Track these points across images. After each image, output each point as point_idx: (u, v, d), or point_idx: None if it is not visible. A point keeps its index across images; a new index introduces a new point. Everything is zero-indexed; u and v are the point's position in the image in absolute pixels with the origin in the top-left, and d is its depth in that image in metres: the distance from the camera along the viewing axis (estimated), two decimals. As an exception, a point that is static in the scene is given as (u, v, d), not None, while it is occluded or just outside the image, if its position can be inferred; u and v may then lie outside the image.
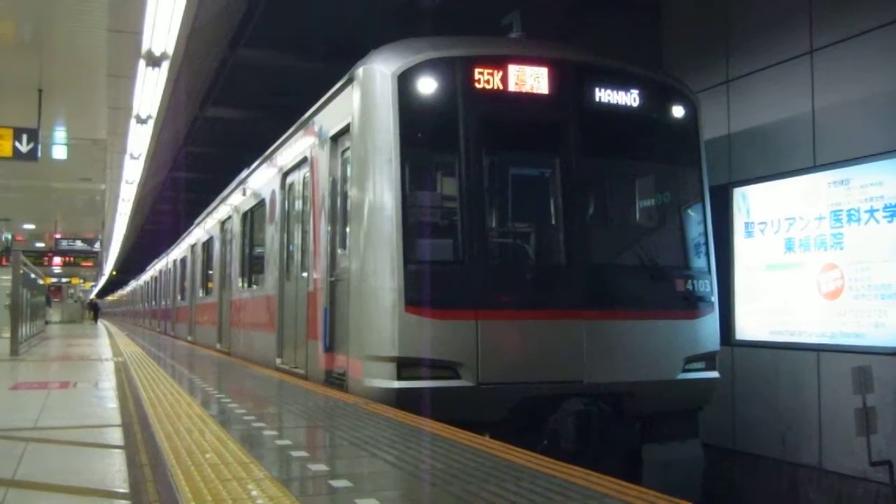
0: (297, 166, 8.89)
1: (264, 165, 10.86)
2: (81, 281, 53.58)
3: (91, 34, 9.92)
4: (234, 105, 14.93)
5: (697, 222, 7.21)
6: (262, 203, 10.86)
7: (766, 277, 8.43)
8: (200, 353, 13.89)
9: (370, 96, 6.43)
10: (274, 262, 9.80)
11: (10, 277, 13.61)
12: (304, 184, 8.53)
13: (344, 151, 7.21)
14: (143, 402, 6.31)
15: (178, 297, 21.48)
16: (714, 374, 6.94)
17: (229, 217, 13.76)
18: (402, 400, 5.82)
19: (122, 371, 9.60)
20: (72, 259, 34.04)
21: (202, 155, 18.86)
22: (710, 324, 6.91)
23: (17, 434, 5.02)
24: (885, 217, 7.16)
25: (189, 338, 18.53)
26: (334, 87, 7.42)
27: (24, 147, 12.12)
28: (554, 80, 6.55)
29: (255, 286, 11.45)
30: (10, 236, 30.99)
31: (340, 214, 7.24)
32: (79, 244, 33.34)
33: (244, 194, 12.26)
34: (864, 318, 7.32)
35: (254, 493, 3.27)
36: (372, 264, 6.19)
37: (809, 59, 8.01)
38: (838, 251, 7.60)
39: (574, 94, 6.66)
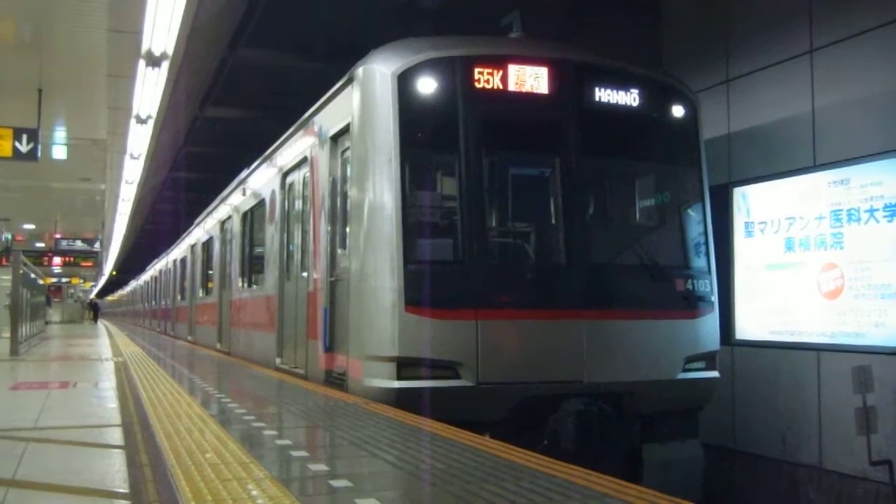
0: (297, 166, 8.89)
1: (264, 165, 10.86)
2: (81, 281, 53.57)
3: (91, 34, 9.92)
4: (234, 105, 14.93)
5: (697, 222, 7.21)
6: (261, 203, 10.86)
7: (766, 277, 8.43)
8: (200, 353, 13.89)
9: (370, 96, 6.43)
10: (274, 262, 9.80)
11: (10, 277, 13.60)
12: (304, 184, 8.53)
13: (344, 151, 7.21)
14: (143, 402, 6.31)
15: (178, 297, 21.48)
16: (714, 374, 6.94)
17: (229, 217, 13.76)
18: (402, 400, 5.82)
19: (122, 371, 9.60)
20: (72, 259, 34.03)
21: (202, 155, 18.86)
22: (710, 323, 6.91)
23: (17, 434, 5.02)
24: (884, 217, 7.16)
25: (189, 338, 18.53)
26: (334, 87, 7.42)
27: (23, 147, 12.12)
28: (554, 79, 6.55)
29: (255, 286, 11.45)
30: (10, 236, 30.98)
31: (340, 214, 7.24)
32: (79, 244, 33.34)
33: (244, 194, 12.26)
34: (864, 318, 7.32)
35: (254, 492, 3.28)
36: (372, 264, 6.19)
37: (809, 59, 8.01)
38: (838, 251, 7.60)
39: (574, 93, 6.66)
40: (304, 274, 8.32)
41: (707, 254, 7.12)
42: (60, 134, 15.34)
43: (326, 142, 7.54)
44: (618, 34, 10.31)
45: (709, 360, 6.89)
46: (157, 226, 31.37)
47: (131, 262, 46.19)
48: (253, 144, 12.73)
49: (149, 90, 10.87)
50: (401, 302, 5.91)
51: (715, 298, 7.01)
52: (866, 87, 7.41)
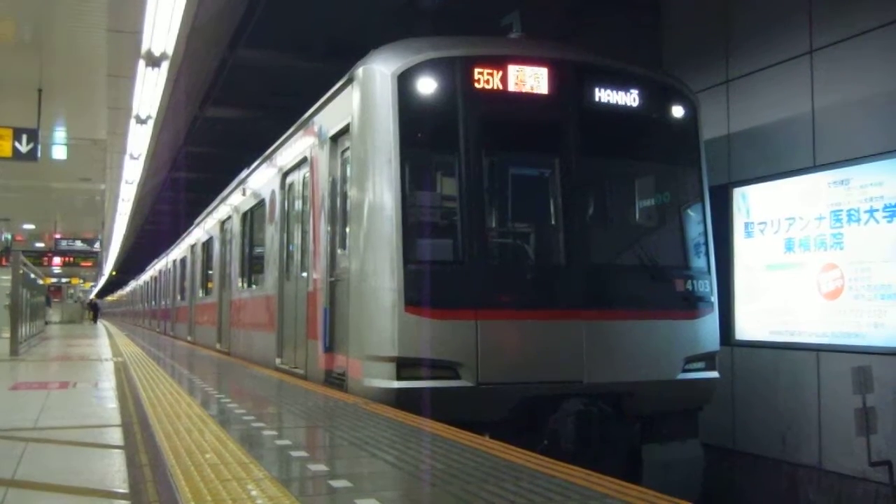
0: (297, 166, 8.89)
1: (264, 165, 10.86)
2: (81, 281, 53.57)
3: (91, 34, 9.92)
4: (234, 105, 14.93)
5: (697, 222, 7.20)
6: (261, 203, 10.86)
7: (766, 277, 8.43)
8: (200, 353, 13.89)
9: (370, 96, 6.43)
10: (274, 262, 9.80)
11: (9, 277, 13.60)
12: (304, 184, 8.52)
13: (344, 151, 7.21)
14: (143, 402, 6.31)
15: (178, 298, 21.48)
16: (714, 374, 6.94)
17: (229, 217, 13.76)
18: (401, 400, 5.82)
19: (122, 371, 9.60)
20: (71, 259, 34.03)
21: (202, 155, 18.86)
22: (709, 324, 6.91)
23: (17, 434, 5.01)
24: (884, 217, 7.16)
25: (189, 338, 18.53)
26: (334, 88, 7.42)
27: (23, 147, 12.11)
28: (554, 80, 6.54)
29: (254, 286, 11.45)
30: (10, 236, 30.98)
31: (340, 214, 7.24)
32: (78, 244, 33.33)
33: (244, 194, 12.26)
34: (864, 318, 7.32)
35: (253, 493, 3.27)
36: (372, 264, 6.19)
37: (809, 59, 8.01)
38: (838, 251, 7.60)
39: (574, 94, 6.66)
40: (304, 274, 8.32)
41: (707, 254, 7.11)
42: (60, 134, 15.34)
43: (326, 142, 7.54)
44: (618, 34, 10.31)
45: (708, 360, 6.88)
46: (156, 226, 31.37)
47: (131, 263, 46.19)
48: (253, 144, 12.73)
49: (149, 90, 10.87)
50: (401, 302, 5.91)
51: (715, 299, 7.00)
52: (866, 87, 7.41)
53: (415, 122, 6.28)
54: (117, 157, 16.09)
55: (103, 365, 10.98)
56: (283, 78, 13.21)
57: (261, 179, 11.03)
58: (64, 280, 47.56)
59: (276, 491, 3.31)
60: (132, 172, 16.87)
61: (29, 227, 31.52)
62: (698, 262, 7.06)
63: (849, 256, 7.49)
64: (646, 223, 7.89)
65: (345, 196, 7.10)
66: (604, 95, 6.74)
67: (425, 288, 5.93)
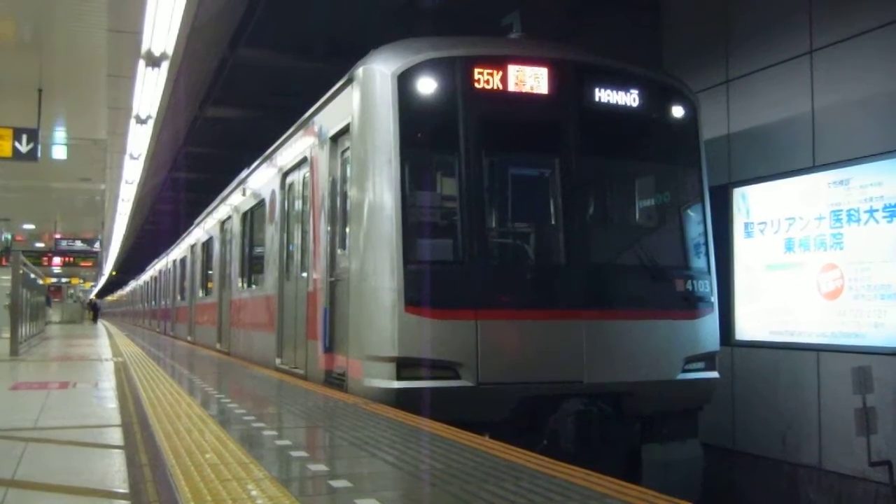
0: (297, 166, 8.89)
1: (264, 165, 10.86)
2: (81, 281, 53.56)
3: (91, 34, 9.92)
4: (234, 105, 14.93)
5: (697, 222, 7.21)
6: (261, 203, 10.86)
7: (766, 277, 8.43)
8: (200, 353, 13.89)
9: (370, 96, 6.43)
10: (274, 262, 9.80)
11: (10, 277, 13.60)
12: (304, 184, 8.53)
13: (344, 151, 7.21)
14: (143, 402, 6.31)
15: (178, 298, 21.48)
16: (714, 374, 6.94)
17: (229, 217, 13.76)
18: (401, 400, 5.82)
19: (122, 371, 9.60)
20: (71, 259, 34.02)
21: (202, 155, 18.86)
22: (709, 324, 6.91)
23: (17, 434, 5.01)
24: (884, 217, 7.16)
25: (189, 338, 18.53)
26: (334, 88, 7.42)
27: (23, 147, 12.11)
28: (554, 80, 6.54)
29: (254, 286, 11.45)
30: (10, 236, 30.97)
31: (340, 214, 7.24)
32: (78, 244, 33.32)
33: (244, 194, 12.26)
34: (864, 318, 7.32)
35: (253, 493, 3.28)
36: (372, 264, 6.19)
37: (809, 59, 8.01)
38: (838, 251, 7.60)
39: (574, 94, 6.66)
40: (304, 274, 8.32)
41: (707, 254, 7.12)
42: (60, 134, 15.34)
43: (326, 142, 7.54)
44: (618, 34, 10.31)
45: (708, 360, 6.88)
46: (156, 226, 31.38)
47: (131, 262, 46.19)
48: (253, 144, 12.73)
49: (149, 90, 10.87)
50: (401, 302, 5.91)
51: (715, 299, 7.00)
52: (866, 87, 7.41)
53: (415, 122, 6.28)
54: (117, 157, 16.09)
55: (103, 365, 10.98)
56: (283, 78, 13.21)
57: (261, 179, 11.03)
58: (64, 280, 47.56)
59: (276, 491, 3.31)
60: (132, 172, 16.87)
61: (29, 227, 31.52)
62: (698, 262, 7.06)
63: (849, 256, 7.49)
64: (646, 223, 7.89)
65: (345, 196, 7.10)
66: (604, 95, 6.74)
67: (425, 288, 5.93)
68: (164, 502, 3.28)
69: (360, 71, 6.62)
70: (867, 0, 7.45)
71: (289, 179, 9.39)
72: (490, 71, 6.35)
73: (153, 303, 30.33)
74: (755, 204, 8.62)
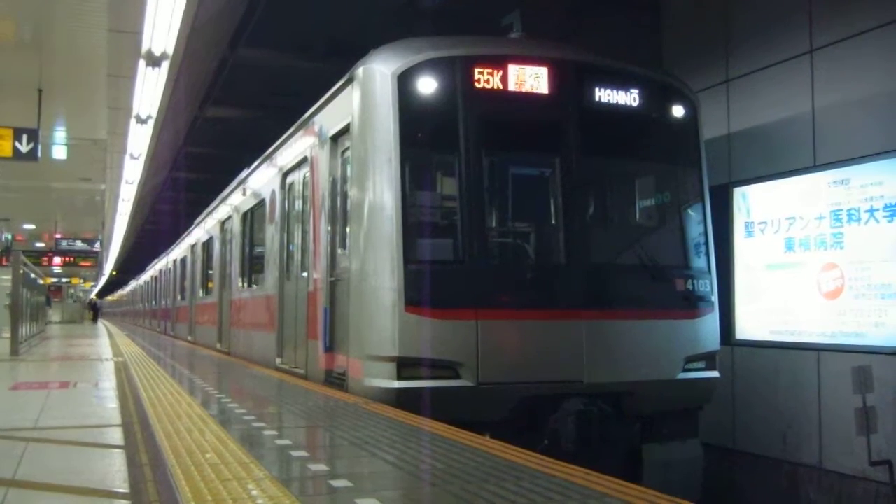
0: (297, 166, 8.89)
1: (264, 165, 10.86)
2: (81, 281, 53.56)
3: (91, 34, 9.92)
4: (234, 105, 14.93)
5: (697, 222, 7.20)
6: (261, 203, 10.86)
7: (767, 277, 8.43)
8: (200, 353, 13.89)
9: (370, 96, 6.43)
10: (274, 262, 9.80)
11: (10, 277, 13.60)
12: (304, 184, 8.53)
13: (344, 151, 7.22)
14: (143, 401, 6.31)
15: (178, 297, 21.48)
16: (714, 374, 6.94)
17: (229, 217, 13.76)
18: (402, 400, 5.82)
19: (122, 371, 9.60)
20: (72, 259, 34.02)
21: (202, 155, 18.87)
22: (710, 323, 6.91)
23: (17, 434, 5.02)
24: (885, 217, 7.16)
25: (189, 338, 18.53)
26: (334, 87, 7.42)
27: (24, 147, 12.12)
28: (554, 79, 6.54)
29: (255, 286, 11.45)
30: (10, 236, 30.98)
31: (340, 214, 7.24)
32: (79, 244, 33.32)
33: (244, 194, 12.26)
34: (864, 318, 7.32)
35: (254, 492, 3.28)
36: (372, 264, 6.19)
37: (809, 59, 8.01)
38: (838, 251, 7.60)
39: (574, 93, 6.66)
40: (304, 274, 8.32)
41: (707, 254, 7.12)
42: (60, 134, 15.35)
43: (326, 142, 7.54)
44: (618, 34, 10.31)
45: (709, 360, 6.89)
46: (157, 226, 31.38)
47: (131, 262, 46.20)
48: (253, 144, 12.73)
49: (149, 90, 10.87)
50: (401, 302, 5.91)
51: (715, 298, 7.00)
52: (866, 87, 7.41)
53: (415, 121, 6.28)
54: (117, 157, 16.10)
55: (103, 365, 10.98)
56: (283, 78, 13.21)
57: (261, 179, 11.04)
58: (64, 280, 47.55)
59: (276, 491, 3.31)
60: (132, 172, 16.88)
61: (29, 227, 31.53)
62: (698, 262, 7.06)
63: (849, 256, 7.49)
64: (646, 223, 7.90)
65: (345, 196, 7.10)
66: (604, 95, 6.74)
67: (426, 288, 5.93)
68: (164, 502, 3.28)
69: (360, 71, 6.62)
70: (867, 0, 7.45)
71: (289, 179, 9.39)
72: (490, 71, 6.35)
73: (153, 303, 30.34)
74: (755, 203, 8.62)
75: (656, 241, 7.45)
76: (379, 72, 6.36)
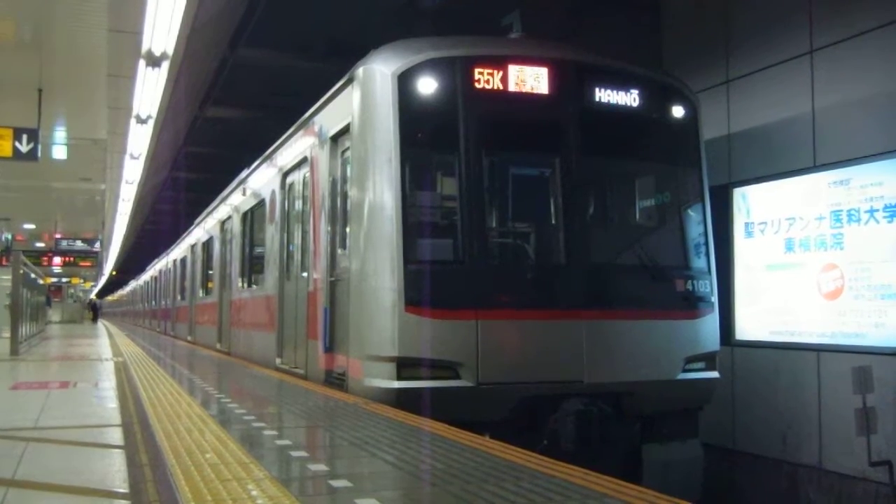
0: (297, 166, 8.89)
1: (264, 165, 10.86)
2: (81, 281, 53.57)
3: (91, 34, 9.93)
4: (234, 105, 14.93)
5: (697, 222, 7.21)
6: (261, 203, 10.86)
7: (766, 277, 8.43)
8: (200, 353, 13.89)
9: (370, 96, 6.43)
10: (274, 262, 9.80)
11: (10, 277, 13.61)
12: (304, 184, 8.53)
13: (344, 151, 7.22)
14: (143, 401, 6.31)
15: (178, 297, 21.48)
16: (714, 374, 6.94)
17: (229, 217, 13.76)
18: (402, 400, 5.82)
19: (122, 371, 9.60)
20: (72, 259, 34.04)
21: (202, 155, 18.87)
22: (710, 324, 6.91)
23: (17, 434, 5.02)
24: (885, 217, 7.16)
25: (189, 338, 18.54)
26: (334, 88, 7.42)
27: (24, 147, 12.12)
28: (554, 80, 6.54)
29: (255, 286, 11.46)
30: (10, 236, 30.99)
31: (340, 214, 7.24)
32: (79, 244, 33.34)
33: (244, 194, 12.26)
34: (865, 318, 7.32)
35: (254, 492, 3.28)
36: (372, 264, 6.19)
37: (809, 59, 8.01)
38: (838, 251, 7.60)
39: (574, 93, 6.66)
40: (304, 274, 8.32)
41: (707, 254, 7.12)
42: (60, 134, 15.35)
43: (326, 142, 7.54)
44: (618, 34, 10.31)
45: (709, 360, 6.89)
46: (157, 226, 31.38)
47: (131, 262, 46.20)
48: (253, 144, 12.73)
49: (149, 90, 10.88)
50: (401, 302, 5.91)
51: (715, 299, 7.00)
52: (866, 87, 7.41)
53: (415, 121, 6.28)
54: (117, 157, 16.10)
55: (103, 365, 10.98)
56: (283, 78, 13.21)
57: (261, 179, 11.04)
58: (64, 280, 47.57)
59: (276, 491, 3.31)
60: (132, 172, 16.88)
61: (29, 226, 31.54)
62: (698, 262, 7.06)
63: (849, 256, 7.49)
64: (646, 223, 7.90)
65: (345, 196, 7.10)
66: (604, 95, 6.74)
67: (426, 288, 5.93)
68: (164, 502, 3.28)
69: (360, 71, 6.62)
70: (867, 0, 7.45)
71: (289, 179, 9.39)
72: (490, 71, 6.35)
73: (153, 303, 30.34)
74: (755, 204, 8.62)
75: (656, 241, 7.45)
76: (379, 72, 6.36)
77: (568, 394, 6.13)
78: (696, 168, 7.27)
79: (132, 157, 15.20)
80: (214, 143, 17.65)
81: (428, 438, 4.61)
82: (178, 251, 22.13)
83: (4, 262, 22.85)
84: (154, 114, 12.13)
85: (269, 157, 10.50)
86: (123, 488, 3.57)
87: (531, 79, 6.47)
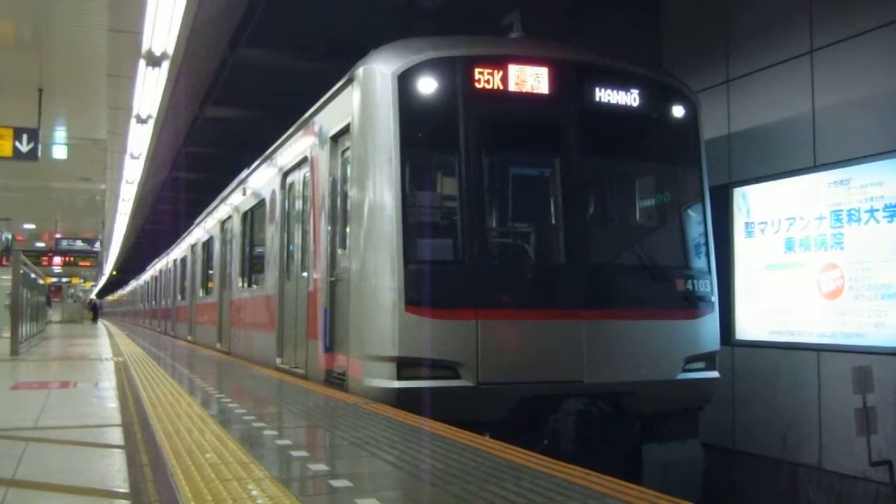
0: (297, 166, 8.89)
1: (264, 165, 10.86)
2: (81, 281, 53.57)
3: (91, 34, 9.93)
4: (234, 105, 14.94)
5: (697, 222, 7.21)
6: (262, 203, 10.86)
7: (767, 277, 8.43)
8: (200, 352, 13.89)
9: (370, 96, 6.43)
10: (274, 262, 9.80)
11: (10, 277, 13.61)
12: (304, 184, 8.53)
13: (344, 151, 7.22)
14: (143, 401, 6.31)
15: (178, 297, 21.48)
16: (714, 374, 6.94)
17: (229, 217, 13.76)
18: (402, 400, 5.82)
19: (122, 371, 9.60)
20: (72, 259, 34.04)
21: (202, 155, 18.87)
22: (710, 324, 6.91)
23: (17, 434, 5.02)
24: (885, 217, 7.16)
25: (189, 338, 18.54)
26: (334, 87, 7.42)
27: (24, 147, 12.13)
28: (554, 79, 6.54)
29: (255, 286, 11.46)
30: (10, 236, 30.99)
31: (340, 214, 7.24)
32: (79, 244, 33.34)
33: (244, 194, 12.26)
34: (865, 318, 7.32)
35: (254, 492, 3.28)
36: (372, 264, 6.19)
37: (809, 59, 8.01)
38: (838, 251, 7.60)
39: (574, 93, 6.66)
40: (304, 274, 8.32)
41: (707, 254, 7.12)
42: (60, 134, 15.36)
43: (326, 142, 7.54)
44: (618, 34, 10.31)
45: (709, 360, 6.89)
46: (157, 226, 31.38)
47: (131, 262, 46.20)
48: (253, 144, 12.73)
49: (149, 90, 10.87)
50: (401, 302, 5.91)
51: (715, 299, 7.00)
52: (866, 87, 7.41)
53: (415, 121, 6.28)
54: (117, 157, 16.10)
55: (104, 364, 10.98)
56: (283, 78, 13.21)
57: (261, 179, 11.04)
58: (64, 280, 47.58)
59: (276, 491, 3.31)
60: (132, 172, 16.88)
61: (29, 226, 31.54)
62: (699, 262, 7.06)
63: (849, 256, 7.49)
64: (646, 223, 7.90)
65: (345, 196, 7.10)
66: (604, 95, 6.74)
67: (426, 288, 5.93)
68: (164, 502, 3.28)
69: (360, 71, 6.62)
70: (867, 0, 7.45)
71: (289, 179, 9.39)
72: (490, 71, 6.35)
73: (153, 302, 30.34)
74: (755, 204, 8.62)
75: (656, 241, 7.46)
76: (379, 72, 6.36)
77: (568, 394, 6.13)
78: (696, 168, 7.27)
79: (132, 156, 15.20)
80: (214, 143, 17.65)
81: (428, 438, 4.61)
82: (179, 251, 22.13)
83: (4, 262, 22.85)
84: (154, 114, 12.13)
85: (269, 157, 10.50)
86: (124, 488, 3.57)
87: (531, 79, 6.47)
